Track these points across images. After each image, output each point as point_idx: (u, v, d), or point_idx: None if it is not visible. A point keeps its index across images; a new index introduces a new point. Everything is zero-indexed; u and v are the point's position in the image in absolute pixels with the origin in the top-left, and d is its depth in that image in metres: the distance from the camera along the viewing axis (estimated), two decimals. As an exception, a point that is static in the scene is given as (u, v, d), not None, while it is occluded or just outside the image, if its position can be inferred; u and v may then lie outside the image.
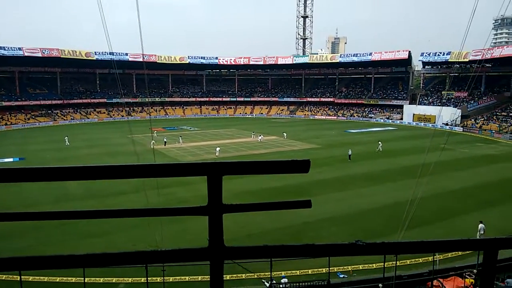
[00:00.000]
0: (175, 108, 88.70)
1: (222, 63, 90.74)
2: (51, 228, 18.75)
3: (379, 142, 42.02)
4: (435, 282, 14.57)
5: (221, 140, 47.16)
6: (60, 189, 26.13)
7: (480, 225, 18.90)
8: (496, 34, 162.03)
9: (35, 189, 25.74)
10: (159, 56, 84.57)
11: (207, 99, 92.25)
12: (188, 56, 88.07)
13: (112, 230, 18.37)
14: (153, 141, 42.72)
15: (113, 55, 70.22)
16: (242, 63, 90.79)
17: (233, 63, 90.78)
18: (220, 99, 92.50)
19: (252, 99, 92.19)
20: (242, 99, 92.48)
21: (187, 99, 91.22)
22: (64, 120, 74.84)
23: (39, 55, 71.18)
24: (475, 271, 14.57)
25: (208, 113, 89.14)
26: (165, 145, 43.99)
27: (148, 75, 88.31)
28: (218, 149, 40.16)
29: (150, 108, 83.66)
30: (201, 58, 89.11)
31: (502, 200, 24.37)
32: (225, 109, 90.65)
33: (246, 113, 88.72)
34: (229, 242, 1.09)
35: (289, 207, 1.14)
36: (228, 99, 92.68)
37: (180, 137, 47.83)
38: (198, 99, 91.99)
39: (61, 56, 73.36)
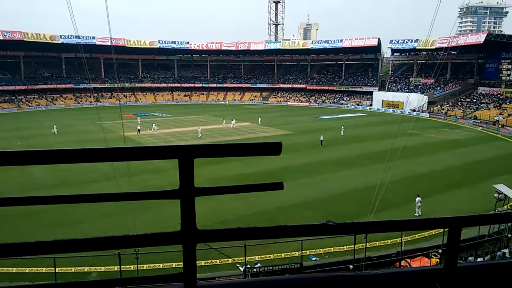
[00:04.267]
0: (146, 94, 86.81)
1: (193, 48, 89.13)
2: (16, 218, 18.08)
3: (342, 126, 44.41)
4: (403, 262, 15.24)
5: (194, 127, 46.60)
6: (26, 177, 25.23)
7: (418, 198, 20.03)
8: (461, 23, 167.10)
9: (-1, 178, 24.71)
10: (128, 40, 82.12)
11: (179, 85, 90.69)
12: (159, 41, 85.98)
13: (82, 219, 17.94)
14: (139, 127, 44.16)
15: (79, 38, 67.51)
16: (214, 48, 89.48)
17: (205, 48, 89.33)
18: (192, 85, 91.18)
19: (224, 85, 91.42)
20: (214, 85, 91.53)
21: (158, 85, 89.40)
22: (29, 106, 71.79)
23: (0, 38, 67.55)
24: (440, 251, 15.33)
25: (180, 99, 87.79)
26: (138, 133, 42.89)
27: (117, 59, 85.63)
28: (200, 130, 42.27)
29: (120, 94, 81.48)
30: (172, 42, 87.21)
31: (465, 183, 25.55)
32: (198, 95, 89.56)
33: (219, 100, 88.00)
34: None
35: (262, 189, 1.14)
36: (200, 85, 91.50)
37: (153, 124, 46.98)
38: (169, 84, 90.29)
39: (24, 40, 69.86)
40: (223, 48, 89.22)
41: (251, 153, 1.10)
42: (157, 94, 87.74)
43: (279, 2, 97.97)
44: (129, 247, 1.07)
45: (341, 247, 16.19)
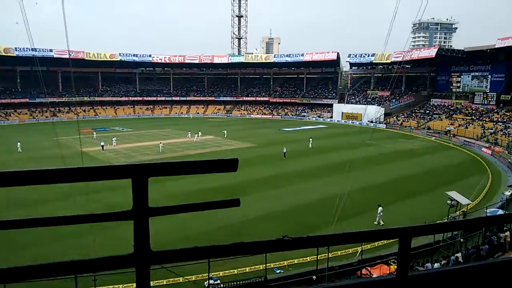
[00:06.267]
0: (106, 108, 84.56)
1: (156, 61, 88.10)
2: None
3: (310, 139, 45.07)
4: (363, 271, 15.65)
5: (156, 141, 45.71)
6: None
7: (380, 208, 20.77)
8: (414, 37, 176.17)
9: None
10: (87, 52, 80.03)
11: (141, 98, 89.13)
12: (120, 53, 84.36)
13: (38, 241, 17.10)
14: (102, 143, 42.44)
15: (35, 51, 65.12)
16: (177, 61, 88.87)
17: (167, 61, 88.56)
18: (154, 98, 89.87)
19: (188, 98, 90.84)
20: (177, 98, 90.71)
21: (119, 99, 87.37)
22: (-21, 122, 67.91)
23: None
24: (397, 257, 15.89)
25: (142, 113, 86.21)
26: (103, 149, 41.26)
27: (76, 72, 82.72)
28: (161, 145, 41.58)
29: (78, 108, 78.88)
30: (134, 55, 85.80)
31: (421, 191, 26.70)
32: (160, 109, 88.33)
33: (182, 113, 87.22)
34: (165, 246, 1.15)
35: (218, 207, 1.12)
36: (163, 98, 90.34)
37: (113, 139, 45.74)
38: (131, 98, 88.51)
39: (-26, 52, 66.44)
40: (186, 61, 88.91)
41: (207, 171, 1.09)
42: (118, 108, 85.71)
43: (242, 16, 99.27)
44: (81, 273, 1.03)
45: (305, 258, 16.42)
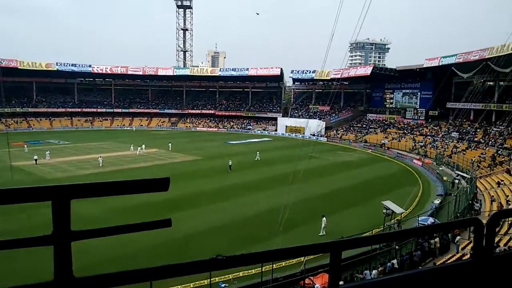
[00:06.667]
0: (41, 120, 79.45)
1: (96, 71, 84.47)
2: None
3: (257, 152, 45.54)
4: (306, 281, 16.06)
5: (96, 154, 43.65)
6: None
7: (323, 219, 21.57)
8: (351, 56, 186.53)
9: None
10: (21, 61, 75.12)
11: (79, 109, 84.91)
12: (57, 63, 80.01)
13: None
14: (36, 156, 39.58)
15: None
16: (119, 72, 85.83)
17: (109, 72, 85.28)
18: (94, 110, 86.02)
19: (131, 110, 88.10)
20: (119, 110, 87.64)
21: (55, 110, 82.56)
22: None
23: None
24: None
25: (80, 125, 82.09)
26: (36, 163, 38.61)
27: (8, 82, 77.19)
28: (100, 158, 39.50)
29: (9, 120, 73.35)
30: (72, 65, 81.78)
31: (359, 201, 28.03)
32: (101, 121, 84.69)
33: (124, 125, 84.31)
34: (97, 267, 1.10)
35: (148, 228, 1.08)
36: (104, 110, 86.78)
37: (47, 152, 42.98)
38: (68, 109, 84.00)
39: None
40: (129, 72, 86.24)
41: (136, 191, 1.07)
42: (54, 120, 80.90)
43: (187, 29, 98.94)
44: None
45: (250, 271, 16.45)
